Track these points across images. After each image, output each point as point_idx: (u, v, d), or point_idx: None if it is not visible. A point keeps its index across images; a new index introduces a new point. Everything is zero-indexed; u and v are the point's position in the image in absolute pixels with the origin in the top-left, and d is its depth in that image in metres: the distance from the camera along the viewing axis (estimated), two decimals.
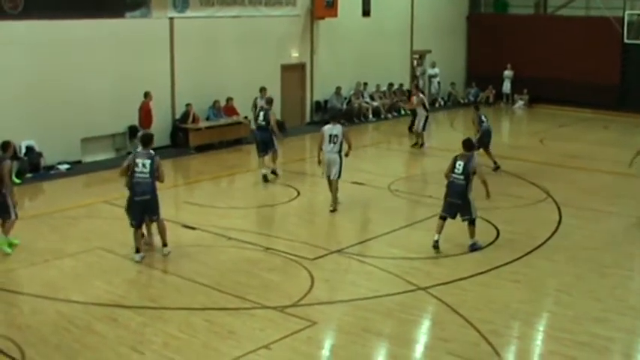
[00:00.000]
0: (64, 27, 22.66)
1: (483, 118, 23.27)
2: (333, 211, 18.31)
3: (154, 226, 15.23)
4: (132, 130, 24.72)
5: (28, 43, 22.06)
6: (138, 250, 14.62)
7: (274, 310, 12.35)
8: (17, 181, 21.21)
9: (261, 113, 21.39)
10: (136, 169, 14.38)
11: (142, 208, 14.56)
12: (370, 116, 33.03)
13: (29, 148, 22.35)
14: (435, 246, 15.22)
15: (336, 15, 30.97)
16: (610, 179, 22.31)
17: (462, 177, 15.02)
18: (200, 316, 12.14)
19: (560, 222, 17.52)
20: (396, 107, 34.52)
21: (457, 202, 15.21)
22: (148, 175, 14.38)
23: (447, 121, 34.83)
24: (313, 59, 31.46)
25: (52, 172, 22.49)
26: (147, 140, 14.97)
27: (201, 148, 24.99)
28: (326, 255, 15.18)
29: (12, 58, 21.73)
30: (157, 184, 14.69)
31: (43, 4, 22.19)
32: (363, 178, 21.51)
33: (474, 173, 15.07)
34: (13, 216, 14.99)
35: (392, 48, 35.25)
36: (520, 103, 37.79)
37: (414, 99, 27.52)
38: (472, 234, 15.32)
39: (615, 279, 14.15)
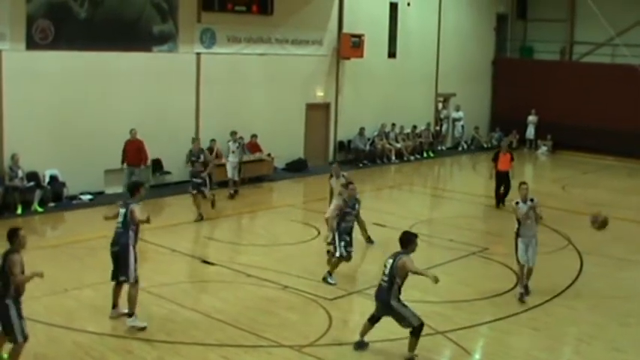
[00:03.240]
0: (92, 59, 22.90)
1: None
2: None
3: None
4: (155, 164, 24.91)
5: (56, 73, 22.31)
6: (114, 306, 13.54)
7: (291, 349, 12.28)
8: (39, 209, 21.36)
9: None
10: (118, 219, 13.51)
11: (114, 261, 13.41)
12: (393, 158, 33.02)
13: (53, 178, 22.48)
14: (358, 347, 12.42)
15: (362, 56, 31.11)
16: (633, 228, 22.14)
17: (386, 278, 11.95)
18: (216, 352, 12.09)
19: (581, 270, 17.39)
20: (419, 150, 34.56)
21: (383, 308, 12.18)
22: (120, 226, 13.32)
23: (469, 165, 34.76)
24: (338, 99, 31.55)
25: (74, 202, 22.60)
26: (131, 189, 14.07)
27: (224, 184, 25.02)
28: (345, 295, 15.12)
29: (40, 88, 21.97)
30: (134, 239, 13.24)
31: (72, 36, 22.47)
32: (384, 220, 21.44)
33: (403, 277, 11.91)
34: (19, 338, 10.76)
35: (416, 90, 35.32)
36: (543, 148, 37.71)
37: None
38: (411, 346, 12.01)
39: (637, 329, 13.97)
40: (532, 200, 15.24)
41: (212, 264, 16.90)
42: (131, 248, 13.16)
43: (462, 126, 37.83)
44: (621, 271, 17.76)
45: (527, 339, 13.26)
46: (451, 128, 38.08)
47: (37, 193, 21.61)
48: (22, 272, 10.72)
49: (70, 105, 22.69)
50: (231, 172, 24.73)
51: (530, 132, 38.28)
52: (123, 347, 12.14)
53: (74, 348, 12.07)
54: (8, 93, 21.41)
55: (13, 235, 10.86)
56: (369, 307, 14.55)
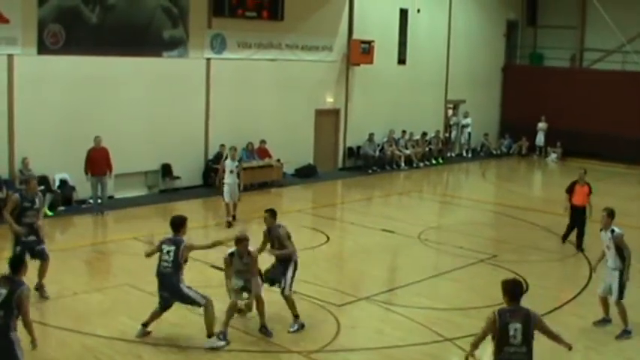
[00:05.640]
0: (103, 63, 22.98)
1: None
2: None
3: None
4: (165, 168, 24.98)
5: (67, 78, 22.40)
6: (145, 324, 12.83)
7: (300, 355, 12.28)
8: (49, 213, 21.41)
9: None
10: (162, 257, 12.49)
11: (165, 301, 12.76)
12: (402, 164, 32.98)
13: (63, 182, 22.57)
14: None
15: (371, 62, 31.14)
16: None
17: (524, 348, 9.23)
18: (225, 357, 12.09)
19: (590, 278, 17.31)
20: (428, 156, 34.50)
21: None
22: (170, 266, 12.30)
23: (479, 172, 34.74)
24: (348, 105, 31.56)
25: (83, 206, 22.63)
26: (176, 224, 12.73)
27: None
28: (353, 302, 15.11)
29: (50, 92, 22.07)
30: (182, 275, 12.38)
31: (83, 41, 22.56)
32: (393, 226, 21.45)
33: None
34: None
35: (426, 97, 35.32)
36: (553, 155, 37.64)
37: None
38: None
39: None
40: (612, 232, 13.95)
41: (221, 269, 16.86)
42: (183, 287, 12.30)
43: (469, 133, 37.81)
44: (631, 279, 17.67)
45: (536, 346, 13.16)
46: (460, 135, 38.06)
47: (47, 197, 21.64)
48: None
49: (81, 109, 22.77)
50: (228, 196, 21.38)
51: (540, 139, 38.25)
52: (132, 351, 12.16)
53: (83, 351, 12.10)
54: (19, 97, 21.50)
55: (18, 263, 10.01)
56: (377, 313, 14.59)
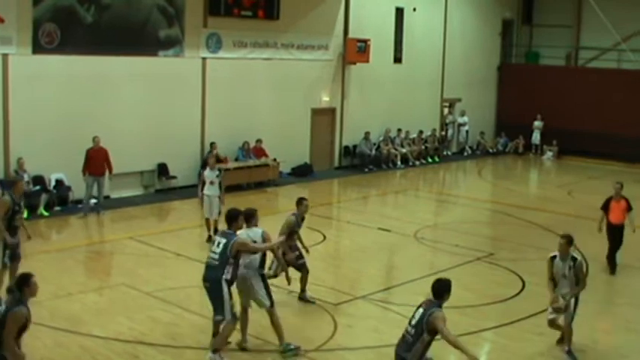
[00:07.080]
0: (98, 63, 22.92)
1: None
2: None
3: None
4: (161, 168, 24.95)
5: (62, 77, 22.33)
6: (215, 350, 11.83)
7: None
8: (45, 213, 21.39)
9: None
10: (212, 248, 12.01)
11: (208, 297, 12.04)
12: (399, 163, 32.96)
13: (59, 182, 22.51)
14: None
15: (367, 61, 31.13)
16: (638, 234, 22.05)
17: (412, 331, 9.76)
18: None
19: (586, 276, 17.31)
20: (425, 155, 34.52)
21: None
22: (217, 258, 11.67)
23: (475, 170, 34.73)
24: (344, 104, 31.54)
25: (80, 206, 22.56)
26: (228, 217, 12.26)
27: (229, 189, 25.00)
28: (350, 300, 15.10)
29: (45, 92, 21.98)
30: (231, 275, 11.73)
31: (78, 40, 22.50)
32: (389, 225, 21.44)
33: (432, 332, 9.64)
34: None
35: (422, 95, 35.32)
36: (549, 154, 37.66)
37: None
38: None
39: None
40: (574, 260, 12.52)
41: None
42: (224, 284, 11.60)
43: (467, 131, 37.83)
44: (626, 277, 17.72)
45: (533, 344, 13.22)
46: (456, 133, 38.09)
47: (43, 197, 21.64)
48: (26, 328, 9.05)
49: (76, 109, 22.70)
50: (208, 210, 19.10)
51: (536, 137, 38.24)
52: (128, 352, 12.13)
53: (80, 352, 12.08)
54: (14, 97, 21.42)
55: (23, 283, 9.14)
56: (374, 312, 14.60)
